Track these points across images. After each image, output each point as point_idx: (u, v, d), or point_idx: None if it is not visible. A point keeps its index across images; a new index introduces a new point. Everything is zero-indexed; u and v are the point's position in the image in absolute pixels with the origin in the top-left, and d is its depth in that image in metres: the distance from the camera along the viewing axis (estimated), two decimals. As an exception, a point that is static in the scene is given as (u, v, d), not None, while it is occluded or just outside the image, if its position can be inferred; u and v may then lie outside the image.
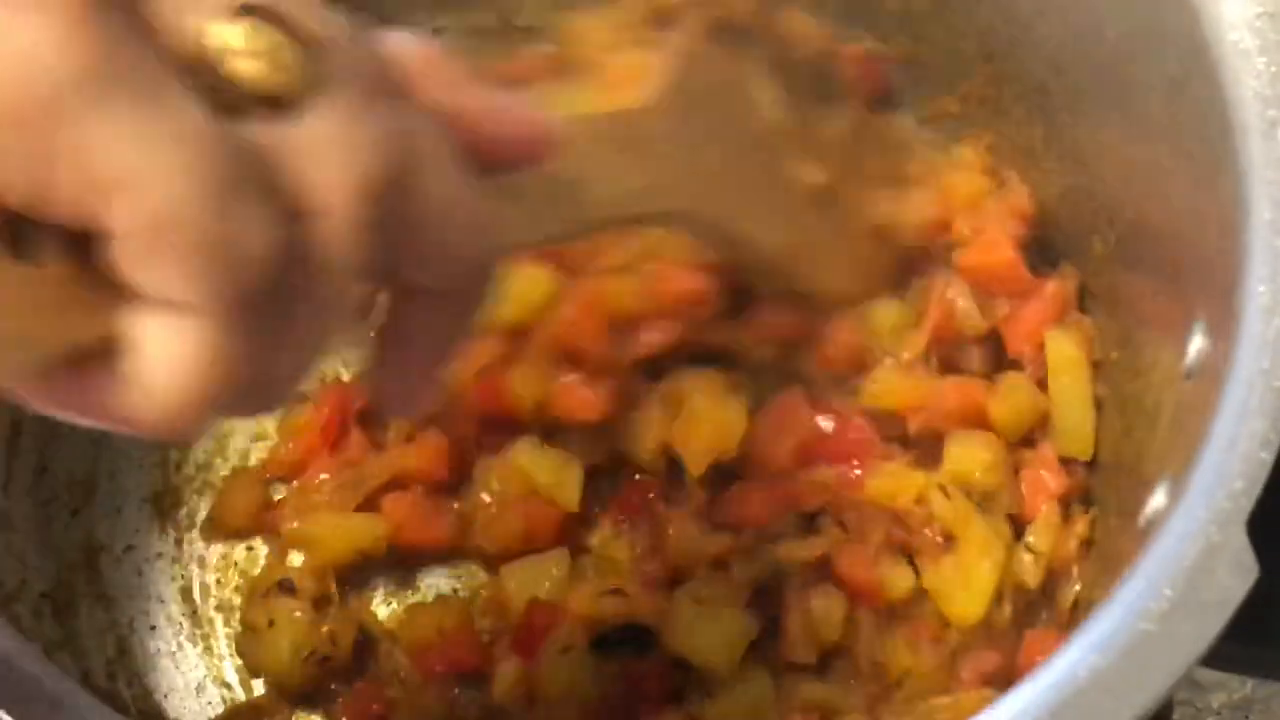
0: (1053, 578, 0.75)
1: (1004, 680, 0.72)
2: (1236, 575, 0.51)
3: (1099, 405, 0.78)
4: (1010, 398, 0.78)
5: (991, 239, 0.80)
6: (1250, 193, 0.59)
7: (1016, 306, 0.79)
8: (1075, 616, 0.73)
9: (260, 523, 0.81)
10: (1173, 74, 0.65)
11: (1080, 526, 0.75)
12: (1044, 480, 0.76)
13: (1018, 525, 0.76)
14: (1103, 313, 0.78)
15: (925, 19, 0.85)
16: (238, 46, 0.33)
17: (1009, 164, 0.82)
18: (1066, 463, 0.77)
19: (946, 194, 0.82)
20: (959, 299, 0.79)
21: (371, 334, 0.43)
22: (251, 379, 0.35)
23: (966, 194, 0.82)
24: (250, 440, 0.84)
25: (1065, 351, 0.78)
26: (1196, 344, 0.62)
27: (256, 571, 0.81)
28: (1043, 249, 0.81)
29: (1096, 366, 0.78)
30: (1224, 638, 0.51)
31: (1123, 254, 0.75)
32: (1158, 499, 0.61)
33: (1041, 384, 0.78)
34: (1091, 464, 0.78)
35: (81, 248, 0.33)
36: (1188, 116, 0.64)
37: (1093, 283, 0.78)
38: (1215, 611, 0.51)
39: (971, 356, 0.80)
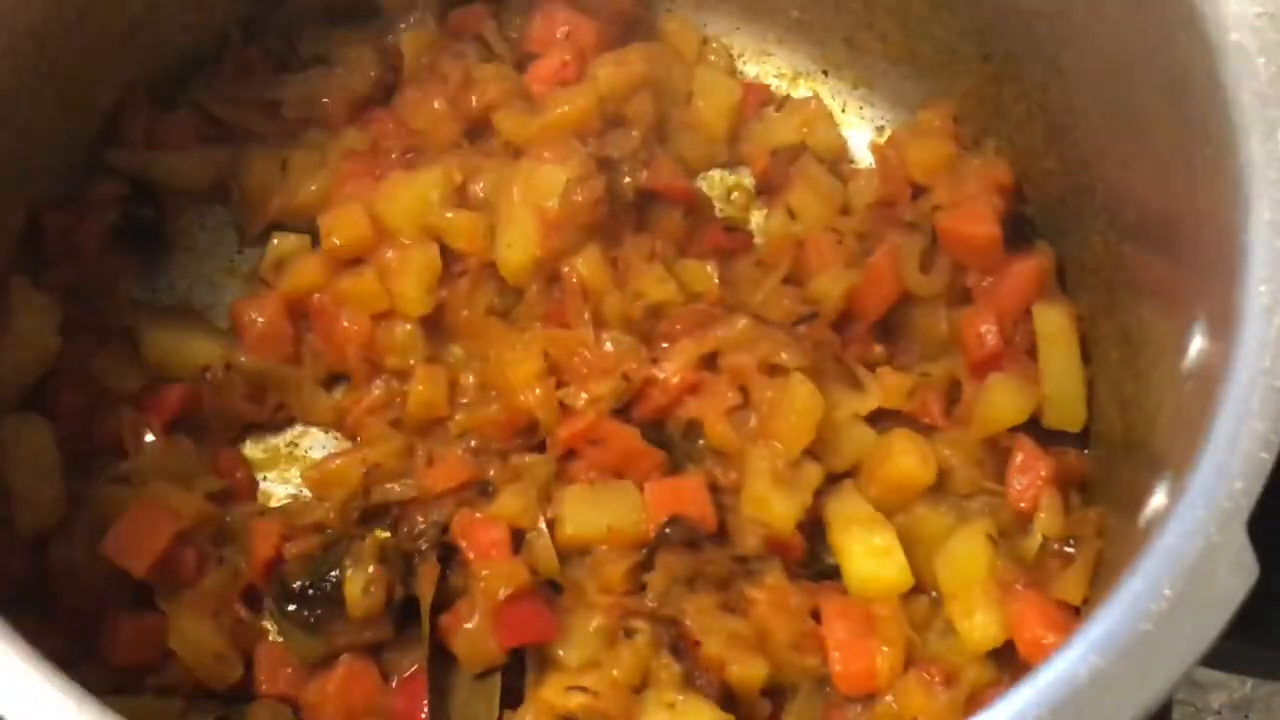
0: (1064, 561, 0.74)
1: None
2: (1236, 575, 0.51)
3: (1098, 405, 0.78)
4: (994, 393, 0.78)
5: (976, 210, 0.81)
6: (1250, 193, 0.59)
7: (997, 280, 0.80)
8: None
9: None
10: (1173, 74, 0.65)
11: (1093, 513, 0.75)
12: (1032, 465, 0.76)
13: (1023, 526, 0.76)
14: (1102, 313, 0.78)
15: (925, 19, 0.85)
16: None
17: (1009, 163, 0.83)
18: (1056, 452, 0.77)
19: (915, 161, 0.83)
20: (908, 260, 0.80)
21: None
22: None
23: (940, 158, 0.83)
24: None
25: (1055, 321, 0.79)
26: (1196, 344, 0.62)
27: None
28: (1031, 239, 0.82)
29: (1096, 364, 0.78)
30: (1224, 638, 0.51)
31: (1123, 254, 0.75)
32: (1158, 499, 0.61)
33: (1030, 354, 0.79)
34: (1091, 463, 0.78)
35: None
36: (1188, 116, 0.64)
37: (1092, 282, 0.78)
38: (1215, 611, 0.51)
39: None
